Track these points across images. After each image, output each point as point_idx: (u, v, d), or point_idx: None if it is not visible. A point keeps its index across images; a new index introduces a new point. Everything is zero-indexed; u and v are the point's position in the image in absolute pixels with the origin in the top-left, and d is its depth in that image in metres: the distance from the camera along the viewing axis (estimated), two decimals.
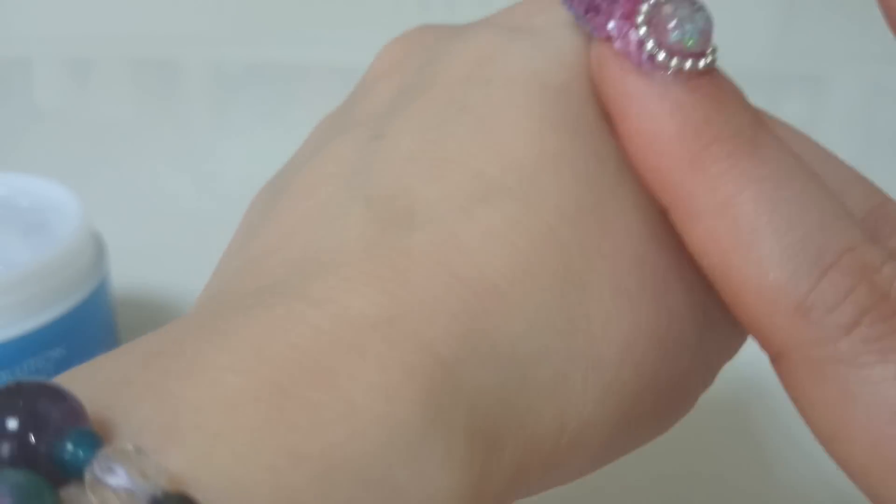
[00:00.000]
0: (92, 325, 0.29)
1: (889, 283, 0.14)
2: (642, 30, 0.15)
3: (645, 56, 0.15)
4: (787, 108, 0.56)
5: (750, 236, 0.14)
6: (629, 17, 0.15)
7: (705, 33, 0.15)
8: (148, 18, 0.63)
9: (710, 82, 0.15)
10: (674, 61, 0.15)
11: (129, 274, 0.36)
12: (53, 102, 0.58)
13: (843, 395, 0.14)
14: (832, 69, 0.59)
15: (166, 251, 0.40)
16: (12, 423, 0.10)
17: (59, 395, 0.11)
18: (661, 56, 0.15)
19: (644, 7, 0.15)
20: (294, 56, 0.60)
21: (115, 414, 0.11)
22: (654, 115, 0.15)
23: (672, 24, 0.15)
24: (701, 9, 0.15)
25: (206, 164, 0.48)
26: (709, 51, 0.15)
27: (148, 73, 0.60)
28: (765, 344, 0.15)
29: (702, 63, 0.15)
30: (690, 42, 0.15)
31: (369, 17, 0.63)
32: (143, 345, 0.13)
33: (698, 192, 0.14)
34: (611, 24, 0.15)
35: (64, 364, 0.28)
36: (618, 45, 0.15)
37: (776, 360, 0.15)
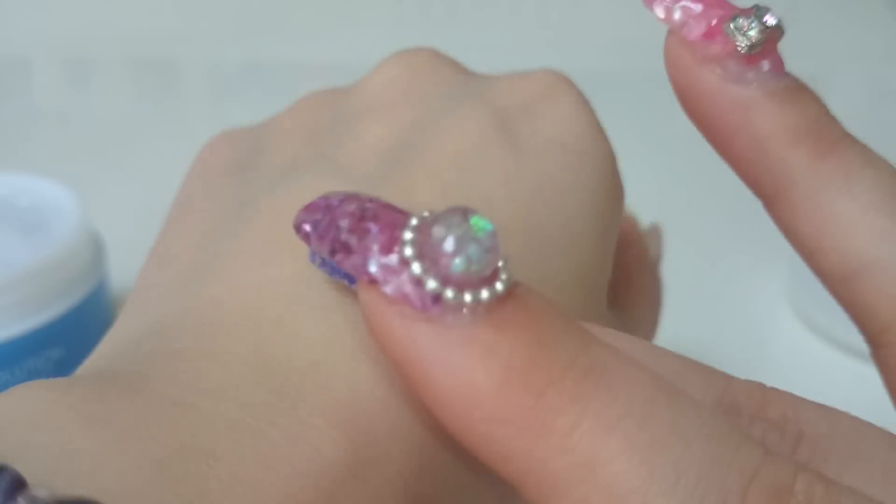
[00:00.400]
0: (91, 324, 0.29)
1: (809, 497, 0.11)
2: (416, 265, 0.11)
3: (428, 298, 0.11)
4: None
5: (636, 498, 0.11)
6: (390, 249, 0.12)
7: (493, 249, 0.11)
8: (147, 18, 0.63)
9: (518, 309, 0.12)
10: (467, 296, 0.11)
11: (128, 273, 0.35)
12: (53, 102, 0.58)
13: None
14: (832, 69, 0.59)
15: None
16: None
17: None
18: (449, 293, 0.11)
19: (408, 233, 0.12)
20: (294, 56, 0.60)
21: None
22: (463, 369, 0.11)
23: (450, 249, 0.11)
24: (473, 214, 0.12)
25: None
26: (501, 266, 0.12)
27: (147, 73, 0.60)
28: None
29: (500, 286, 0.11)
30: (478, 266, 0.11)
31: (369, 17, 0.63)
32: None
33: (554, 457, 0.11)
34: (372, 265, 0.12)
35: (63, 364, 0.28)
36: (388, 289, 0.12)
37: None
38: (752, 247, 0.40)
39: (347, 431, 0.14)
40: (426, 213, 0.12)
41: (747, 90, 0.15)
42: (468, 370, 0.11)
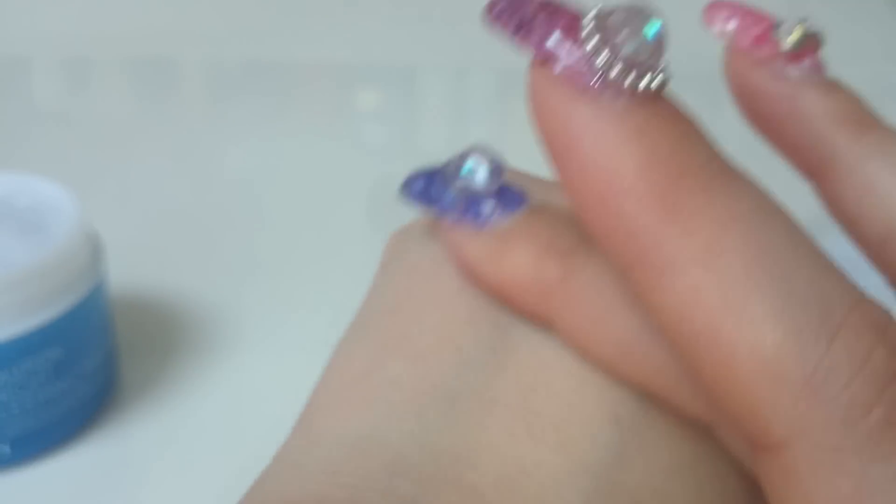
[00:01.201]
0: (89, 325, 0.29)
1: None
2: (591, 42, 0.12)
3: (595, 75, 0.12)
4: None
5: (742, 291, 0.11)
6: (571, 30, 0.13)
7: (660, 44, 0.13)
8: (147, 18, 0.62)
9: (669, 105, 0.13)
10: (630, 78, 0.12)
11: (126, 274, 0.35)
12: (52, 102, 0.58)
13: (858, 494, 0.11)
14: (832, 69, 0.59)
15: (163, 251, 0.40)
16: None
17: None
18: (616, 71, 0.12)
19: (589, 17, 0.13)
20: (294, 55, 0.60)
21: None
22: (611, 146, 0.12)
23: (624, 33, 0.12)
24: (652, 16, 0.13)
25: (204, 164, 0.48)
26: (662, 65, 0.13)
27: (147, 73, 0.60)
28: (757, 432, 0.12)
29: (657, 80, 0.13)
30: (645, 55, 0.12)
31: (369, 17, 0.63)
32: None
33: (674, 237, 0.12)
34: (551, 40, 0.13)
35: (62, 364, 0.28)
36: (559, 66, 0.13)
37: (767, 452, 0.12)
38: None
39: None
40: (605, 6, 0.13)
41: (793, 84, 0.17)
42: (616, 146, 0.12)
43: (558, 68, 0.13)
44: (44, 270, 0.27)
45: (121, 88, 0.59)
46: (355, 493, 0.14)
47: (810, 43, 0.18)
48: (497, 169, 0.16)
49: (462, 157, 0.16)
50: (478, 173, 0.16)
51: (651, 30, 0.13)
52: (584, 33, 0.12)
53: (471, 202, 0.16)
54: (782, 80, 0.17)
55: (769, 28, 0.18)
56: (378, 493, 0.14)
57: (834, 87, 0.18)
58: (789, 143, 0.18)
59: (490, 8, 0.13)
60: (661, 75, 0.13)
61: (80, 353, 0.29)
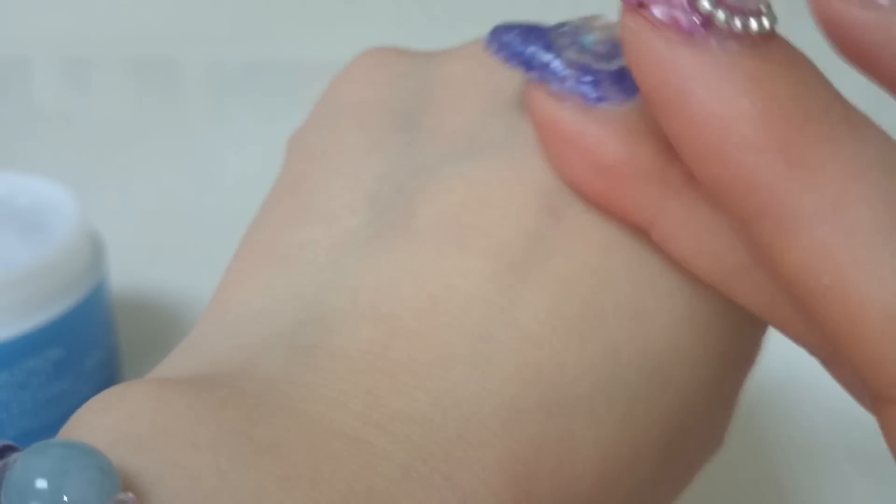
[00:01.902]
0: (90, 325, 0.29)
1: None
2: None
3: (699, 19, 0.11)
4: None
5: (872, 245, 0.11)
6: None
7: None
8: (147, 18, 0.62)
9: (783, 48, 0.12)
10: (738, 20, 0.11)
11: (127, 273, 0.35)
12: (52, 102, 0.58)
13: None
14: (832, 69, 0.59)
15: (165, 250, 0.40)
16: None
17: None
18: (721, 15, 0.11)
19: None
20: (294, 55, 0.60)
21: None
22: (726, 95, 0.12)
23: None
24: None
25: (205, 164, 0.48)
26: (768, 9, 0.12)
27: (147, 73, 0.60)
28: (880, 385, 0.12)
29: (765, 23, 0.12)
30: None
31: (369, 17, 0.63)
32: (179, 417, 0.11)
33: (800, 192, 0.11)
34: None
35: (62, 364, 0.28)
36: (658, 11, 0.12)
37: (890, 403, 0.12)
38: None
39: (519, 497, 0.13)
40: None
41: (887, 11, 0.15)
42: (732, 95, 0.11)
43: (658, 11, 0.12)
44: (45, 270, 0.27)
45: (121, 88, 0.59)
46: (253, 355, 0.13)
47: None
48: (619, 45, 0.14)
49: (585, 24, 0.14)
50: (599, 46, 0.14)
51: None
52: None
53: (585, 74, 0.14)
54: (874, 7, 0.14)
55: None
56: (282, 348, 0.13)
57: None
58: (887, 74, 0.15)
59: None
60: (768, 18, 0.12)
61: (81, 353, 0.29)
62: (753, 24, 0.12)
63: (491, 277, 0.14)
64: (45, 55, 0.61)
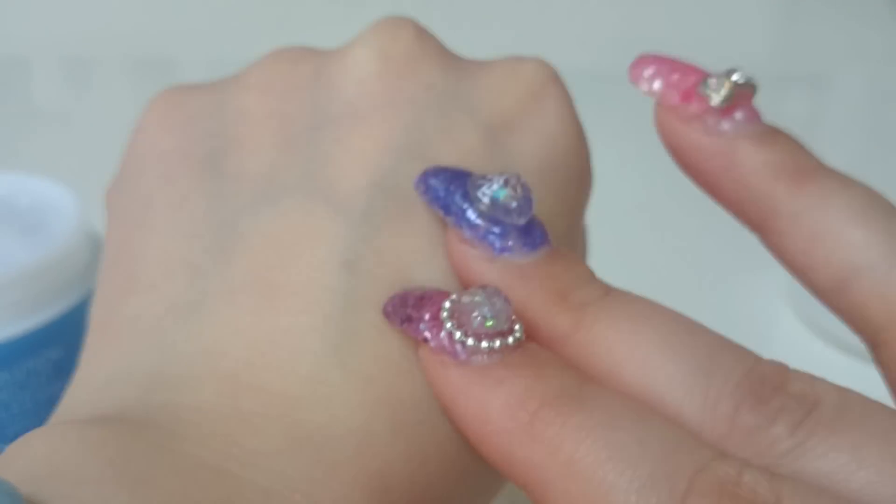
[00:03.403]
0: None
1: (753, 491, 0.13)
2: (448, 324, 0.15)
3: (458, 346, 0.15)
4: (788, 108, 0.56)
5: (601, 489, 0.13)
6: (436, 317, 0.16)
7: (503, 312, 0.15)
8: (147, 18, 0.63)
9: (524, 353, 0.15)
10: (484, 343, 0.15)
11: None
12: (52, 102, 0.58)
13: None
14: (832, 69, 0.59)
15: None
16: None
17: None
18: (471, 342, 0.15)
19: (447, 304, 0.16)
20: None
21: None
22: (479, 397, 0.15)
23: (473, 312, 0.15)
24: (495, 293, 0.16)
25: None
26: (515, 327, 0.16)
27: (147, 73, 0.60)
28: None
29: (511, 339, 0.15)
30: (491, 323, 0.15)
31: (369, 17, 0.63)
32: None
33: (542, 458, 0.14)
34: (422, 327, 0.16)
35: (62, 364, 0.28)
36: (433, 344, 0.15)
37: None
38: (752, 247, 0.40)
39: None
40: (461, 293, 0.16)
41: (726, 138, 0.17)
42: (482, 395, 0.15)
43: (432, 345, 0.15)
44: (44, 270, 0.27)
45: (121, 88, 0.59)
46: (118, 411, 0.15)
47: (743, 94, 0.17)
48: (529, 202, 0.17)
49: (494, 179, 0.16)
50: (510, 202, 0.16)
51: (494, 306, 0.15)
52: (443, 315, 0.16)
53: (494, 225, 0.17)
54: (715, 134, 0.17)
55: (697, 82, 0.17)
56: (140, 406, 0.15)
57: (770, 137, 0.17)
58: (729, 198, 0.17)
59: (384, 308, 0.16)
60: (512, 336, 0.15)
61: (80, 353, 0.29)
62: (497, 343, 0.15)
63: (310, 331, 0.16)
64: (45, 55, 0.61)
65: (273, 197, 0.17)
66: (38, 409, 0.28)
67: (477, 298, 0.15)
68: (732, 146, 0.17)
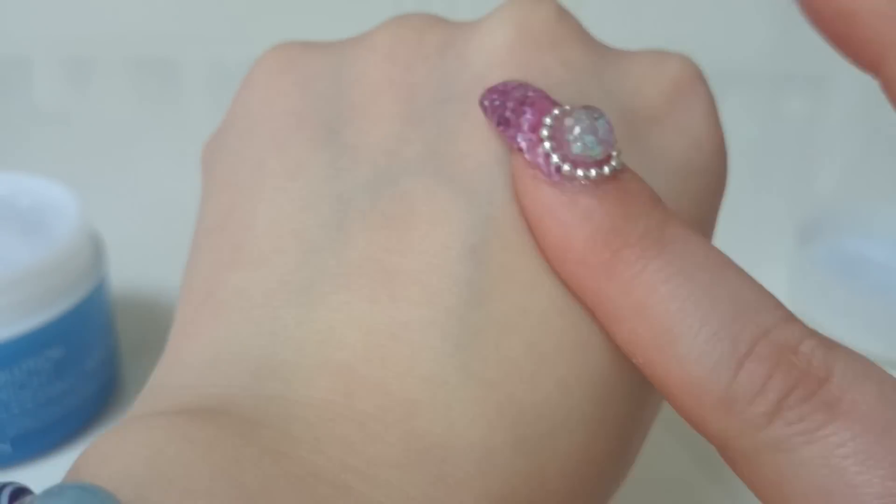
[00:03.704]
0: (91, 324, 0.29)
1: (808, 360, 0.14)
2: (547, 143, 0.15)
3: (552, 168, 0.15)
4: (788, 108, 0.56)
5: (667, 336, 0.14)
6: (535, 129, 0.15)
7: (606, 141, 0.15)
8: (148, 18, 0.62)
9: (617, 187, 0.15)
10: (579, 171, 0.15)
11: (128, 274, 0.36)
12: (52, 102, 0.58)
13: (778, 480, 0.13)
14: (832, 69, 0.59)
15: (165, 251, 0.40)
16: None
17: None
18: (567, 168, 0.15)
19: (548, 120, 0.15)
20: None
21: None
22: (566, 224, 0.15)
23: (573, 136, 0.15)
24: (600, 116, 0.15)
25: None
26: (613, 155, 0.15)
27: (148, 73, 0.60)
28: (703, 435, 0.15)
29: (606, 169, 0.15)
30: (593, 152, 0.15)
31: (369, 17, 0.63)
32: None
33: (615, 297, 0.15)
34: (519, 138, 0.15)
35: (63, 363, 0.28)
36: (528, 157, 0.15)
37: (719, 450, 0.15)
38: (752, 247, 0.40)
39: None
40: (567, 107, 0.15)
41: None
42: (568, 224, 0.15)
43: (528, 158, 0.15)
44: (45, 270, 0.27)
45: (121, 88, 0.59)
46: (224, 399, 0.14)
47: None
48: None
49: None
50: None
51: (597, 130, 0.15)
52: (542, 133, 0.15)
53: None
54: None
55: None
56: (247, 396, 0.14)
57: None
58: (839, 36, 0.16)
59: (481, 100, 0.16)
60: (608, 165, 0.15)
61: (81, 353, 0.29)
62: (592, 172, 0.15)
63: (430, 325, 0.15)
64: (46, 55, 0.61)
65: (395, 174, 0.16)
66: (38, 409, 0.28)
67: (580, 121, 0.15)
68: None
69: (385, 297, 0.15)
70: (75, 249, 0.28)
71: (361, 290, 0.15)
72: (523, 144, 0.15)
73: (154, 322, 0.36)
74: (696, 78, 0.19)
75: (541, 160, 0.15)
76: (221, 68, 0.61)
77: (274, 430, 0.13)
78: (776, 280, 0.42)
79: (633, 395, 0.16)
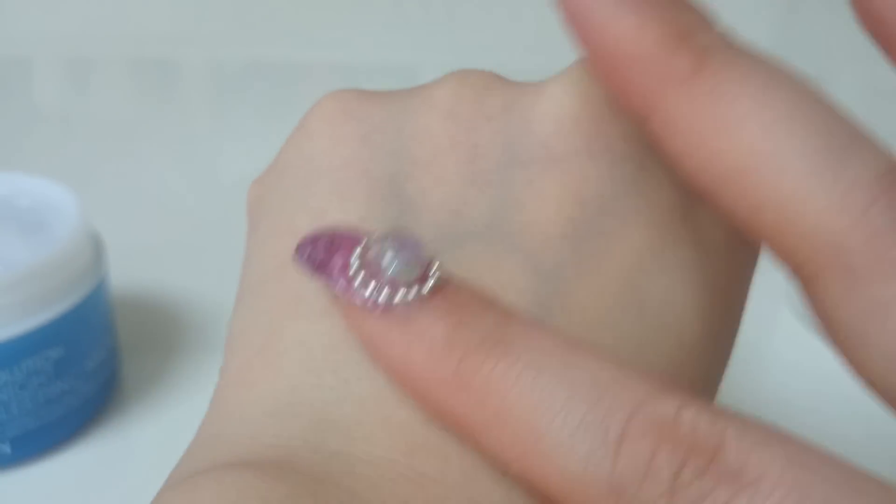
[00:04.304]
0: (90, 324, 0.29)
1: (692, 430, 0.12)
2: (359, 277, 0.15)
3: (370, 302, 0.15)
4: None
5: (532, 436, 0.13)
6: (344, 269, 0.15)
7: (416, 259, 0.15)
8: (148, 18, 0.62)
9: (444, 299, 0.14)
10: (398, 295, 0.15)
11: (127, 274, 0.36)
12: (53, 102, 0.58)
13: None
14: (832, 69, 0.59)
15: (165, 251, 0.40)
16: None
17: None
18: (384, 295, 0.15)
19: (354, 255, 0.15)
20: (294, 55, 0.60)
21: None
22: (403, 346, 0.14)
23: (383, 262, 0.15)
24: (405, 238, 0.15)
25: (205, 164, 0.48)
26: (431, 272, 0.15)
27: (148, 73, 0.60)
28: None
29: (427, 286, 0.15)
30: (407, 274, 0.15)
31: (369, 17, 0.63)
32: None
33: (471, 410, 0.14)
34: (332, 283, 0.15)
35: (62, 364, 0.28)
36: (346, 297, 0.15)
37: None
38: None
39: None
40: (373, 237, 0.15)
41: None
42: (405, 346, 0.14)
43: (345, 301, 0.15)
44: (45, 270, 0.27)
45: (121, 89, 0.59)
46: (286, 452, 0.14)
47: None
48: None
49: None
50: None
51: (405, 253, 0.15)
52: (351, 271, 0.15)
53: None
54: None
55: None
56: (310, 450, 0.14)
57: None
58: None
59: (294, 253, 0.16)
60: (428, 282, 0.15)
61: (80, 353, 0.29)
62: (413, 291, 0.15)
63: None
64: (45, 55, 0.61)
65: (459, 236, 0.16)
66: (38, 409, 0.28)
67: (386, 248, 0.15)
68: None
69: None
70: (75, 249, 0.28)
71: None
72: (336, 289, 0.15)
73: (154, 322, 0.36)
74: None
75: (357, 299, 0.15)
76: (221, 68, 0.61)
77: (340, 490, 0.13)
78: (776, 280, 0.42)
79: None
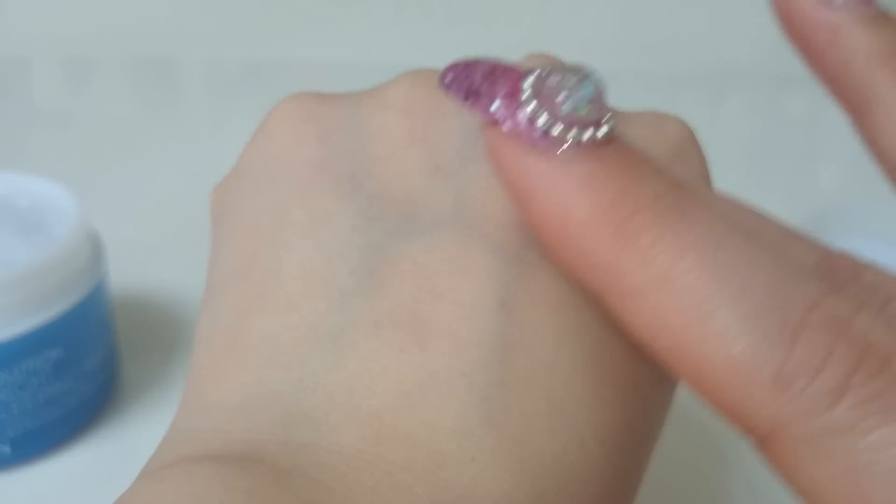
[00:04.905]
0: (90, 324, 0.29)
1: (867, 332, 0.12)
2: (531, 105, 0.14)
3: (538, 133, 0.13)
4: (788, 108, 0.56)
5: (702, 308, 0.12)
6: (513, 95, 0.14)
7: (597, 100, 0.14)
8: (148, 18, 0.62)
9: (616, 150, 0.14)
10: (571, 133, 0.13)
11: (126, 273, 0.36)
12: (52, 102, 0.58)
13: (853, 469, 0.12)
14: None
15: (164, 251, 0.40)
16: None
17: None
18: (557, 129, 0.13)
19: (527, 83, 0.14)
20: (294, 55, 0.60)
21: None
22: (563, 191, 0.13)
23: (561, 95, 0.14)
24: (588, 76, 0.14)
25: (205, 164, 0.48)
26: (606, 118, 0.14)
27: (147, 73, 0.60)
28: (745, 427, 0.13)
29: (601, 132, 0.14)
30: (584, 111, 0.13)
31: (369, 17, 0.63)
32: None
33: (632, 269, 0.13)
34: (494, 106, 0.14)
35: (62, 364, 0.28)
36: (506, 126, 0.14)
37: (763, 443, 0.13)
38: None
39: None
40: (550, 69, 0.14)
41: (836, 14, 0.17)
42: (566, 191, 0.13)
43: (504, 128, 0.14)
44: (44, 270, 0.27)
45: (121, 88, 0.59)
46: (254, 445, 0.14)
47: None
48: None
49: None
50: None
51: (587, 89, 0.14)
52: (523, 98, 0.14)
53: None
54: (827, 7, 0.17)
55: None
56: (278, 443, 0.14)
57: (880, 21, 0.17)
58: (830, 76, 0.17)
59: (442, 78, 0.15)
60: (604, 127, 0.14)
61: (80, 353, 0.29)
62: (587, 134, 0.13)
63: (458, 376, 0.14)
64: (45, 55, 0.61)
65: (424, 225, 0.16)
66: (38, 409, 0.28)
67: (567, 79, 0.14)
68: (840, 24, 0.17)
69: (414, 346, 0.15)
70: (74, 249, 0.28)
71: (391, 339, 0.15)
72: (499, 113, 0.14)
73: (153, 322, 0.36)
74: (692, 141, 0.19)
75: (523, 126, 0.14)
76: (221, 68, 0.61)
77: (307, 479, 0.13)
78: None
79: (644, 450, 0.16)
